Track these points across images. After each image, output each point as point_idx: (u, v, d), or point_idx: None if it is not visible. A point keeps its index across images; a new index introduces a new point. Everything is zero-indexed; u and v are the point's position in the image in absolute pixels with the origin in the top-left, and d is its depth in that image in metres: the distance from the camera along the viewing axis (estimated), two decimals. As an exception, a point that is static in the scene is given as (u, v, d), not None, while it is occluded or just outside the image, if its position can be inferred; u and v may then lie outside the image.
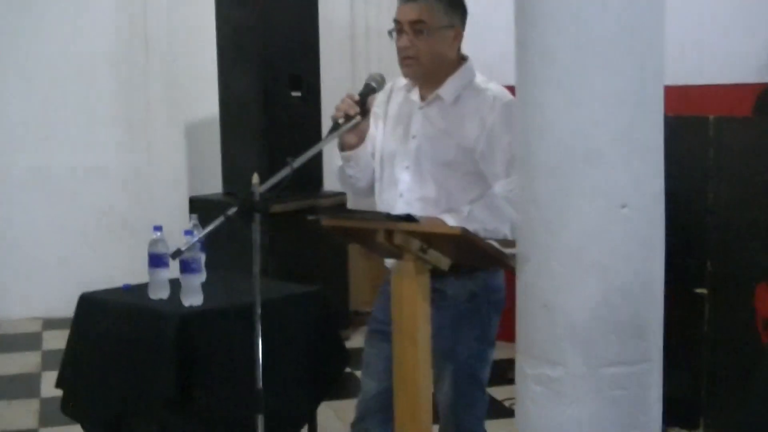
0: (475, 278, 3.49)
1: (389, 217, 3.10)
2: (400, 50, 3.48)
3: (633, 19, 2.74)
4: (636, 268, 2.80)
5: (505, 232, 3.32)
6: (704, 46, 5.73)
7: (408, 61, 3.48)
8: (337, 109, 3.42)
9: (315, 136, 6.90)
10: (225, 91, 6.94)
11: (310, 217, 3.28)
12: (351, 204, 7.16)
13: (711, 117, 4.92)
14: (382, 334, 3.52)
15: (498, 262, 3.09)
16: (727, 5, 5.80)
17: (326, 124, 7.09)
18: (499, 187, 3.39)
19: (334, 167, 3.66)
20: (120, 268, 6.97)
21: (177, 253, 3.07)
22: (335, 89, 7.60)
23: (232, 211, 3.07)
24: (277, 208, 6.21)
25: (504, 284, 3.58)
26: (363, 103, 3.42)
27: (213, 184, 7.19)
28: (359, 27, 8.23)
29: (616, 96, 2.74)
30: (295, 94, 6.82)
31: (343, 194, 7.01)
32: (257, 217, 3.11)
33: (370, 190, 3.69)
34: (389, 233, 3.02)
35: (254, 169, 6.60)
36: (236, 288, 4.15)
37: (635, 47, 2.75)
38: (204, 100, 7.41)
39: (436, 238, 3.03)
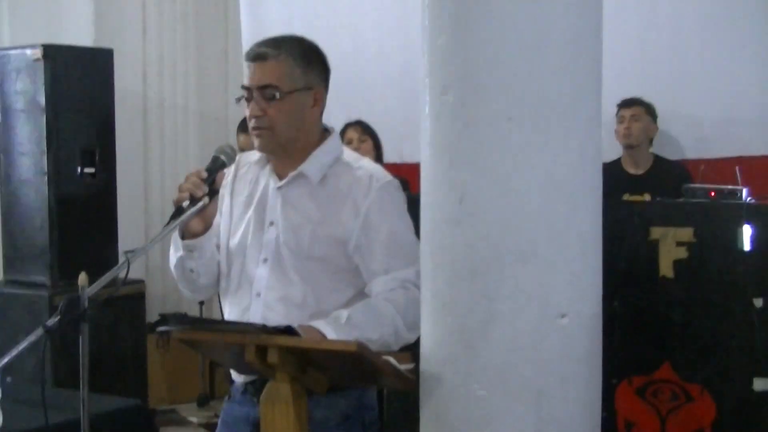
0: (347, 396, 2.86)
1: (265, 329, 2.45)
2: (250, 119, 2.89)
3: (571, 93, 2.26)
4: (576, 393, 2.27)
5: (390, 342, 2.72)
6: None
7: (260, 132, 2.87)
8: (181, 189, 2.77)
9: (110, 217, 6.27)
10: (7, 167, 6.13)
11: (160, 329, 2.60)
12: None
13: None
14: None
15: (394, 382, 2.50)
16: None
17: (123, 203, 6.61)
18: (377, 286, 2.79)
19: (170, 258, 2.99)
20: None
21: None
22: (129, 166, 7.02)
23: (53, 321, 2.39)
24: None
25: (376, 402, 2.99)
26: (211, 181, 2.80)
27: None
28: (152, 100, 7.63)
29: (554, 181, 2.23)
30: (88, 170, 6.09)
31: (140, 282, 6.32)
32: (85, 327, 2.44)
33: (213, 287, 3.03)
34: (262, 350, 2.39)
35: (40, 254, 5.99)
36: (34, 403, 3.37)
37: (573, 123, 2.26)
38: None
39: (320, 355, 2.42)
